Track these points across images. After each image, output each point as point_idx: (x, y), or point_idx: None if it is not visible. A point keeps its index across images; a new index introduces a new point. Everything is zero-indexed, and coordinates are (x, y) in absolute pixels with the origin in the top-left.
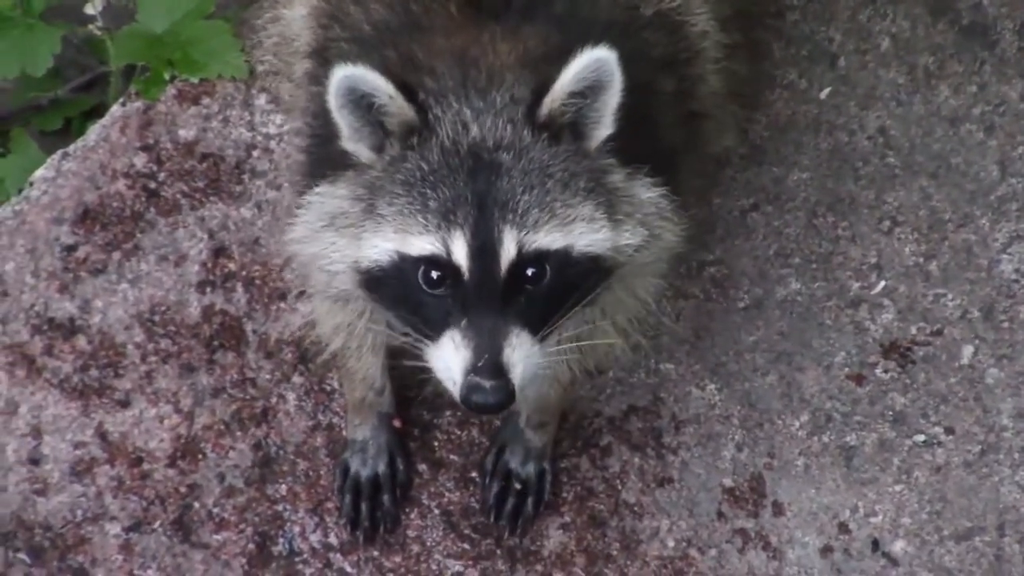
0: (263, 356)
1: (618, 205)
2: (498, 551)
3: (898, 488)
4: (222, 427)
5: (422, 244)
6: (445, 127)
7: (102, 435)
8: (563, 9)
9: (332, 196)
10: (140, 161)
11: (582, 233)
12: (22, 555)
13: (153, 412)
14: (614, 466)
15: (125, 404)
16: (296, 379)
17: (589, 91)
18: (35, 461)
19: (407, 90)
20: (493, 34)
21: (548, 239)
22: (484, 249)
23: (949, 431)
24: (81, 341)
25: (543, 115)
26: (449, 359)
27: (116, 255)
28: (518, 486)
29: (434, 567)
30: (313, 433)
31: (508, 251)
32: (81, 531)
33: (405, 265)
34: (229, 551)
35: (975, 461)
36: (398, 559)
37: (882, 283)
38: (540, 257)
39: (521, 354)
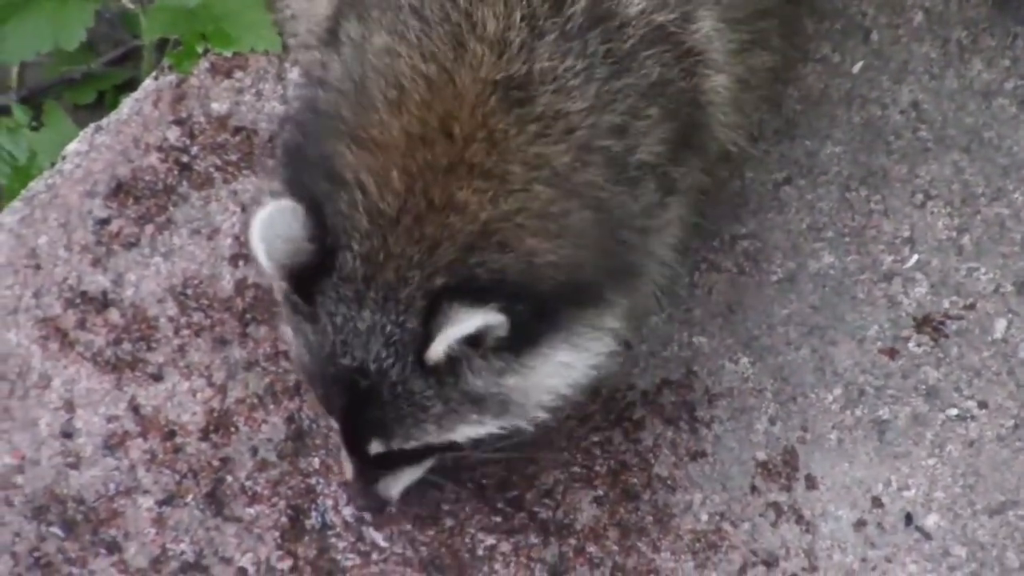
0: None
1: (511, 406)
2: (531, 524)
3: (931, 462)
4: (255, 400)
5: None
6: (330, 335)
7: (135, 408)
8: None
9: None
10: (173, 135)
11: (462, 433)
12: (55, 529)
13: (186, 385)
14: (647, 440)
15: (158, 377)
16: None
17: (480, 335)
18: (68, 435)
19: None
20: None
21: (420, 441)
22: (354, 447)
23: (982, 405)
24: (114, 315)
25: (431, 361)
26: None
27: (149, 228)
28: None
29: (467, 540)
30: None
31: (376, 449)
32: (114, 505)
33: None
34: (262, 525)
35: (1008, 435)
36: (431, 533)
37: (915, 257)
38: (413, 451)
39: (399, 481)
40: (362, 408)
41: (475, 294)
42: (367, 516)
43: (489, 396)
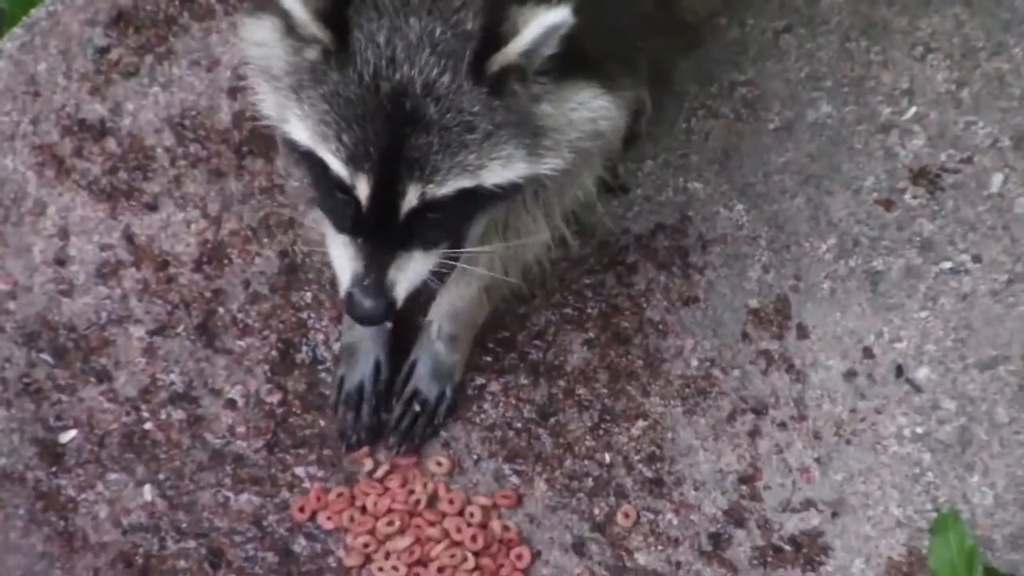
0: (292, 163)
1: (543, 139)
2: (521, 365)
3: (923, 315)
4: (249, 233)
5: (333, 164)
6: (368, 57)
7: (129, 238)
8: None
9: (271, 49)
10: None
11: (493, 174)
12: (45, 355)
13: (180, 216)
14: (639, 284)
15: (153, 208)
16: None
17: (543, 41)
18: (61, 262)
19: (329, 10)
20: None
21: (454, 186)
22: (385, 197)
23: (976, 259)
24: (111, 143)
25: (491, 69)
26: (339, 260)
27: (148, 58)
28: (417, 408)
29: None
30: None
31: (410, 201)
32: (105, 333)
33: (319, 164)
34: (252, 357)
35: (1002, 290)
36: None
37: (913, 109)
38: (443, 200)
39: (408, 273)
40: (402, 143)
41: None
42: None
43: (527, 120)
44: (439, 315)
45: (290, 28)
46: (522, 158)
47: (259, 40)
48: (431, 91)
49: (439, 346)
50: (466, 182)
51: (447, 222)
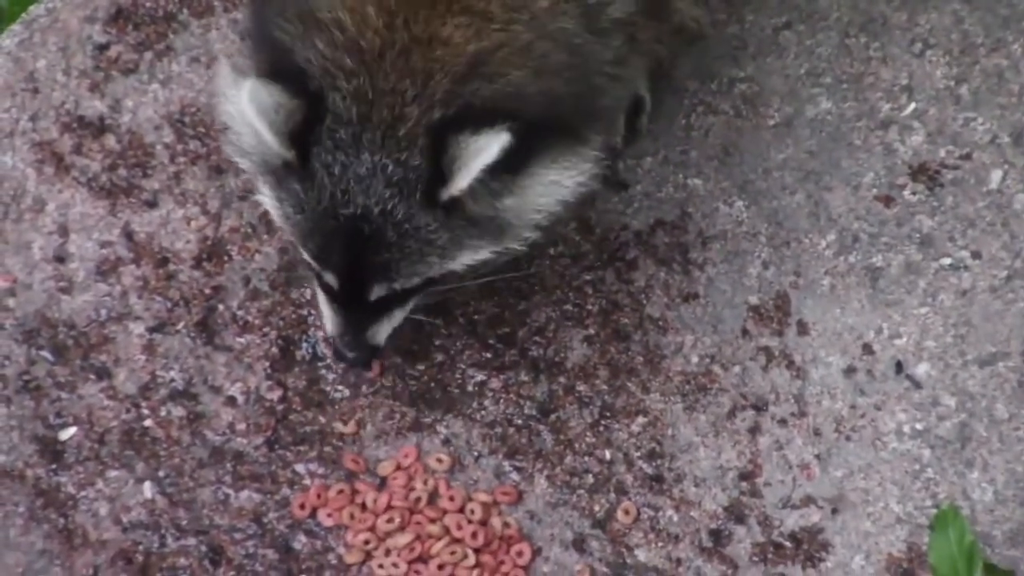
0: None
1: (508, 227)
2: (521, 362)
3: (923, 311)
4: (249, 230)
5: (304, 252)
6: (326, 186)
7: (128, 235)
8: None
9: (243, 128)
10: None
11: (461, 262)
12: (45, 353)
13: (180, 213)
14: (639, 280)
15: (152, 204)
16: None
17: (485, 167)
18: (60, 259)
19: (297, 131)
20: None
21: (421, 278)
22: (354, 292)
23: (976, 255)
24: (110, 140)
25: (443, 200)
26: (322, 306)
27: (148, 55)
28: None
29: (457, 376)
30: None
31: (377, 293)
32: (105, 330)
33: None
34: (252, 354)
35: (1001, 286)
36: (421, 367)
37: (912, 105)
38: (413, 289)
39: (384, 327)
40: (365, 255)
41: (474, 123)
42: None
43: (488, 220)
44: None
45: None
46: (488, 246)
47: (230, 102)
48: (388, 217)
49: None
50: (432, 273)
51: (420, 294)
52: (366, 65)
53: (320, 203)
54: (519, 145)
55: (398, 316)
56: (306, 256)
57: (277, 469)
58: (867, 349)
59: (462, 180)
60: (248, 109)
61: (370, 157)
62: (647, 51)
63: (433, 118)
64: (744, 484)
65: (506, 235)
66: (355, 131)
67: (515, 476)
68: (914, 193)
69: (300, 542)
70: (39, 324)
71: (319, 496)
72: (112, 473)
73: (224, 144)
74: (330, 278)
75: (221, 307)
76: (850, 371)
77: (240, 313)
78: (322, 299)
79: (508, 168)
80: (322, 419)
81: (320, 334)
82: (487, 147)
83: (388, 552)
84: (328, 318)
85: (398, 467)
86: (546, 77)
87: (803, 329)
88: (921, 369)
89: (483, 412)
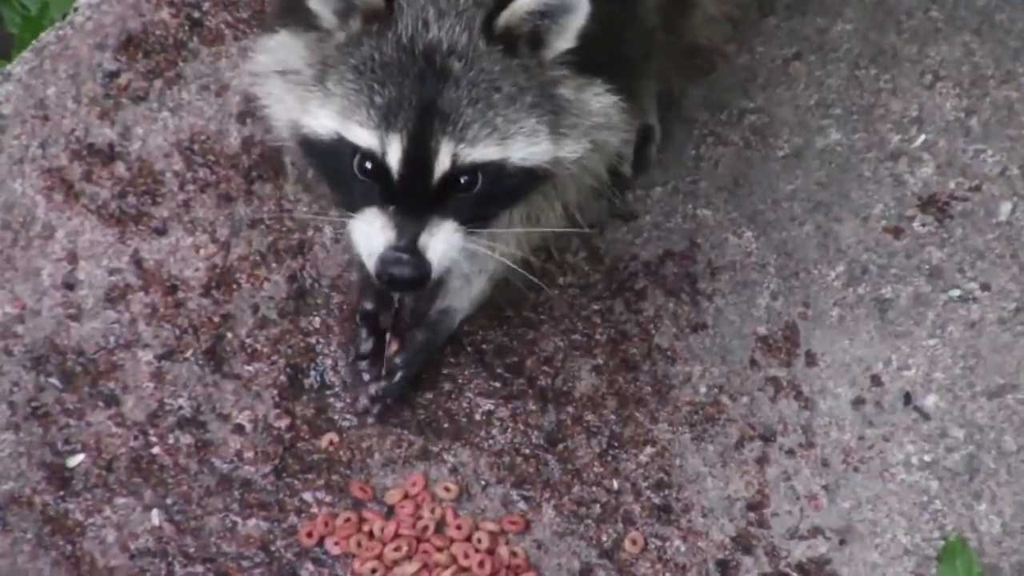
0: (301, 188)
1: (563, 118)
2: (529, 391)
3: (932, 342)
4: (258, 258)
5: (362, 135)
6: (407, 21)
7: (137, 262)
8: None
9: (289, 49)
10: None
11: (520, 147)
12: (53, 379)
13: (189, 241)
14: (648, 310)
15: (162, 232)
16: (333, 212)
17: (552, 11)
18: (70, 286)
19: None
20: None
21: (484, 152)
22: (418, 158)
23: (985, 287)
24: (120, 168)
25: (499, 27)
26: (370, 233)
27: (158, 83)
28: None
29: (465, 405)
30: (348, 267)
31: (442, 163)
32: (113, 358)
33: (343, 147)
34: (260, 382)
35: (1010, 318)
36: (429, 396)
37: (922, 137)
38: (474, 168)
39: (441, 239)
40: (435, 97)
41: None
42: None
43: (547, 96)
44: (464, 301)
45: (309, 25)
46: (545, 135)
47: (276, 46)
48: (454, 49)
49: (450, 329)
50: (494, 150)
51: (474, 205)
52: None
53: (399, 43)
54: (582, 54)
55: (451, 234)
56: (368, 134)
57: (285, 497)
58: (875, 380)
59: (521, 6)
60: None
61: None
62: (656, 72)
63: None
64: (752, 515)
65: (560, 126)
66: None
67: (522, 505)
68: (923, 225)
69: (307, 570)
70: (48, 351)
71: (326, 524)
72: (120, 500)
73: (263, 89)
74: (394, 148)
75: (230, 335)
76: (858, 402)
77: (249, 341)
78: (367, 219)
79: (569, 65)
80: (330, 448)
81: (328, 362)
82: None
83: None
84: (376, 234)
85: (406, 495)
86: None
87: (811, 360)
88: (929, 401)
89: (491, 441)
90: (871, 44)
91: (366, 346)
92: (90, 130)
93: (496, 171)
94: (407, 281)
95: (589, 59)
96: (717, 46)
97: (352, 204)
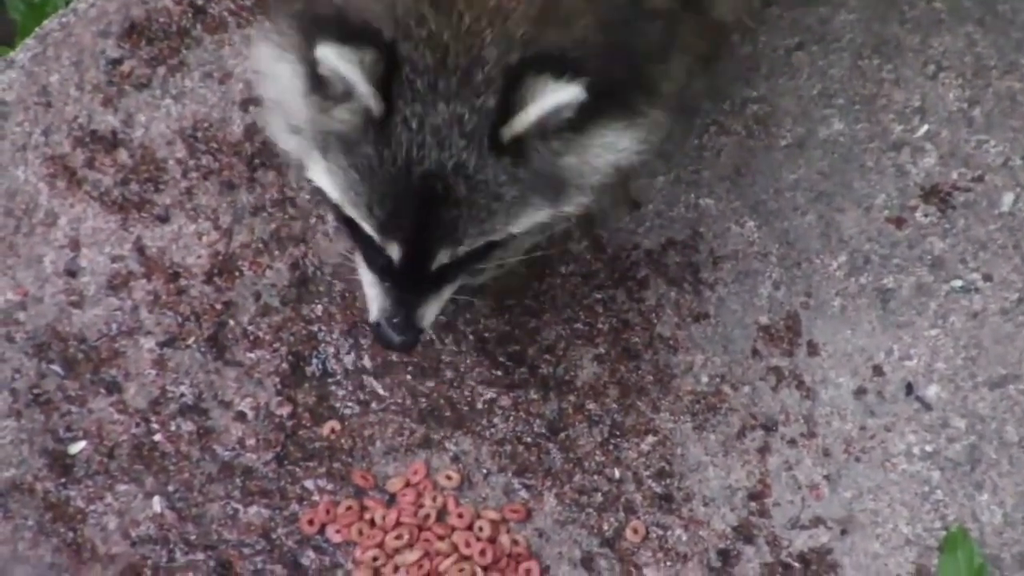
0: (304, 176)
1: (567, 187)
2: (531, 380)
3: (934, 333)
4: (260, 246)
5: (364, 226)
6: (402, 141)
7: (140, 249)
8: None
9: (290, 95)
10: None
11: (520, 224)
12: (55, 367)
13: (192, 228)
14: (650, 299)
15: (164, 219)
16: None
17: (554, 112)
18: (72, 273)
19: (383, 84)
20: None
21: (483, 241)
22: (416, 259)
23: (987, 278)
24: (123, 155)
25: (507, 139)
26: (370, 289)
27: (161, 70)
28: None
29: (467, 393)
30: (351, 255)
31: (439, 260)
32: (115, 345)
33: (348, 217)
34: (263, 369)
35: (1012, 309)
36: (431, 384)
37: (925, 127)
38: (472, 255)
39: (433, 308)
40: (434, 216)
41: (552, 69)
42: (398, 355)
43: (551, 176)
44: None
45: (316, 84)
46: (547, 207)
47: (275, 76)
48: (460, 171)
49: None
50: (494, 237)
51: (472, 266)
52: (438, 9)
53: (396, 161)
54: (585, 102)
55: (446, 294)
56: (368, 229)
57: (286, 485)
58: (877, 370)
59: (531, 115)
60: (340, 67)
61: (446, 107)
62: (688, 46)
63: (512, 60)
64: (753, 504)
65: (564, 195)
66: (431, 79)
67: (524, 494)
68: (926, 215)
69: (308, 558)
70: (50, 338)
71: (328, 512)
72: (121, 487)
73: (269, 124)
74: (393, 249)
75: (232, 322)
76: (860, 392)
77: (251, 329)
78: (371, 283)
79: (571, 127)
80: (332, 435)
81: (331, 350)
82: (562, 94)
83: (396, 569)
84: (377, 301)
85: (407, 484)
86: (610, 30)
87: (813, 350)
88: (931, 391)
89: (492, 430)
90: (874, 34)
91: None
92: (93, 117)
93: (494, 244)
94: (398, 350)
95: (598, 100)
96: (743, 18)
97: (362, 254)
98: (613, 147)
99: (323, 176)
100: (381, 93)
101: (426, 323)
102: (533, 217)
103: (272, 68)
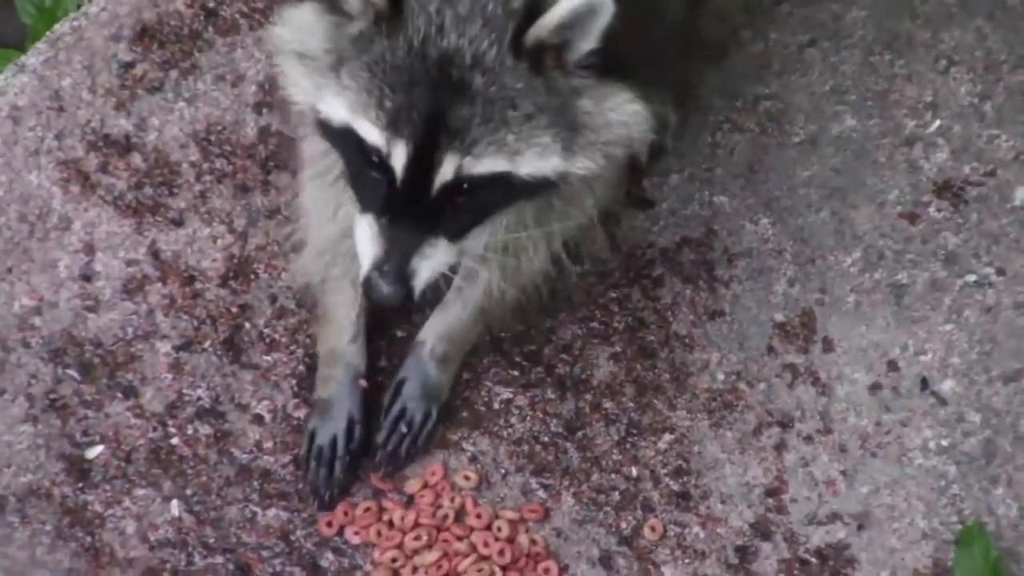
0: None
1: (579, 135)
2: (548, 379)
3: (948, 327)
4: (275, 248)
5: (371, 133)
6: (419, 24)
7: (155, 253)
8: None
9: (309, 30)
10: None
11: (529, 162)
12: (71, 371)
13: (206, 232)
14: (665, 297)
15: (179, 223)
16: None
17: (580, 18)
18: (87, 277)
19: None
20: None
21: (490, 165)
22: (420, 167)
23: (1000, 272)
24: (136, 159)
25: (529, 41)
26: (364, 240)
27: (173, 73)
28: (404, 429)
29: (483, 393)
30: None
31: (444, 174)
32: (131, 349)
33: (354, 138)
34: (279, 372)
35: None
36: None
37: (937, 122)
38: (477, 179)
39: (430, 262)
40: (445, 110)
41: None
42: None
43: (566, 109)
44: (433, 334)
45: (333, 6)
46: (557, 151)
47: (298, 24)
48: (478, 62)
49: (430, 366)
50: (502, 163)
51: (472, 213)
52: None
53: (410, 48)
54: (603, 58)
55: (442, 253)
56: (376, 133)
57: (304, 487)
58: (892, 366)
59: (552, 18)
60: None
61: None
62: (676, 61)
63: None
64: (770, 501)
65: (575, 141)
66: None
67: (542, 493)
68: (939, 210)
69: (327, 560)
70: (65, 343)
71: (346, 514)
72: (139, 491)
73: (286, 76)
74: (399, 152)
75: (248, 325)
76: (875, 388)
77: (267, 331)
78: (364, 232)
79: (593, 69)
80: None
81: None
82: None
83: (415, 570)
84: (370, 249)
85: (425, 485)
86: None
87: (828, 346)
88: (946, 386)
89: (510, 429)
90: (885, 30)
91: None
92: (106, 121)
93: (499, 181)
94: (386, 304)
95: (614, 60)
96: (724, 38)
97: (360, 199)
98: (624, 109)
99: (333, 99)
100: None
101: (418, 280)
102: (543, 157)
103: (294, 18)
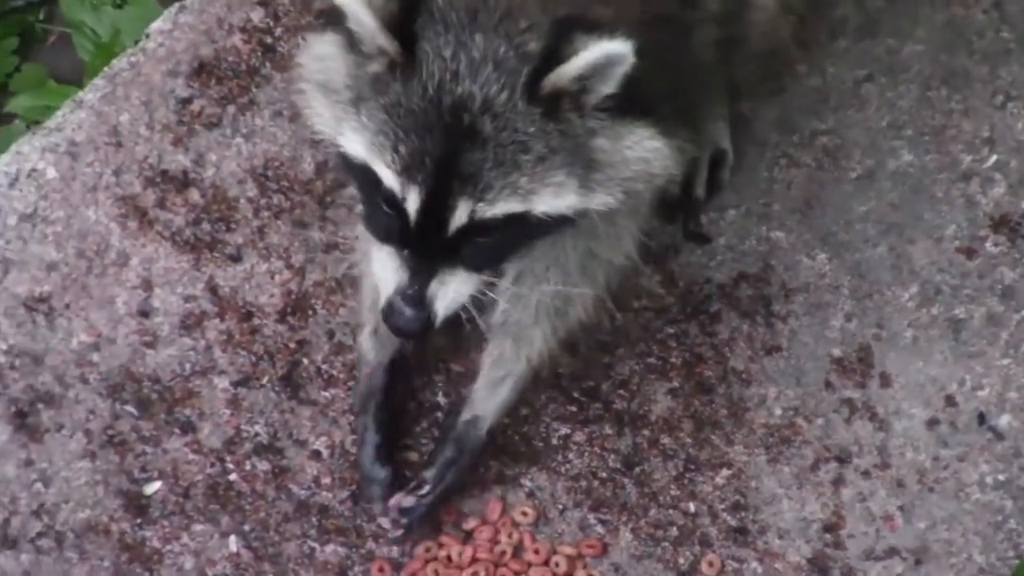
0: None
1: (595, 172)
2: (606, 415)
3: (1005, 362)
4: (333, 284)
5: (386, 175)
6: (433, 69)
7: (212, 289)
8: None
9: (333, 63)
10: (257, 16)
11: (544, 201)
12: (129, 407)
13: (264, 267)
14: (723, 333)
15: (236, 259)
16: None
17: (600, 68)
18: (145, 313)
19: (396, 23)
20: None
21: (504, 208)
22: (434, 212)
23: None
24: (194, 194)
25: (544, 89)
26: (383, 271)
27: (231, 109)
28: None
29: (542, 429)
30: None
31: (459, 219)
32: (189, 384)
33: (371, 175)
34: (336, 408)
35: None
36: (506, 420)
37: (994, 157)
38: (492, 221)
39: (452, 288)
40: (457, 157)
41: (600, 30)
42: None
43: (582, 148)
44: (490, 409)
45: (353, 43)
46: (573, 189)
47: (320, 55)
48: (489, 107)
49: (478, 441)
50: (516, 205)
51: (492, 249)
52: None
53: (424, 94)
54: (622, 97)
55: (461, 282)
56: (390, 176)
57: (362, 523)
58: (950, 401)
59: (571, 69)
60: (354, 5)
61: (483, 39)
62: (723, 93)
63: (559, 12)
64: (828, 536)
65: (592, 178)
66: (470, 9)
67: (600, 529)
68: (996, 245)
69: None
70: (123, 379)
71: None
72: (197, 527)
73: (305, 97)
74: (412, 196)
75: (305, 361)
76: (933, 423)
77: (324, 367)
78: (384, 256)
79: (610, 111)
80: (407, 471)
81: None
82: (606, 48)
83: None
84: (389, 273)
85: (483, 521)
86: (647, 29)
87: (886, 381)
88: (1003, 420)
89: (568, 465)
90: (942, 65)
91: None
92: (163, 157)
93: (517, 220)
94: (410, 332)
95: (633, 100)
96: (783, 52)
97: (377, 233)
98: (643, 145)
99: (352, 136)
100: (404, 30)
101: (438, 306)
102: (559, 195)
103: (317, 48)
